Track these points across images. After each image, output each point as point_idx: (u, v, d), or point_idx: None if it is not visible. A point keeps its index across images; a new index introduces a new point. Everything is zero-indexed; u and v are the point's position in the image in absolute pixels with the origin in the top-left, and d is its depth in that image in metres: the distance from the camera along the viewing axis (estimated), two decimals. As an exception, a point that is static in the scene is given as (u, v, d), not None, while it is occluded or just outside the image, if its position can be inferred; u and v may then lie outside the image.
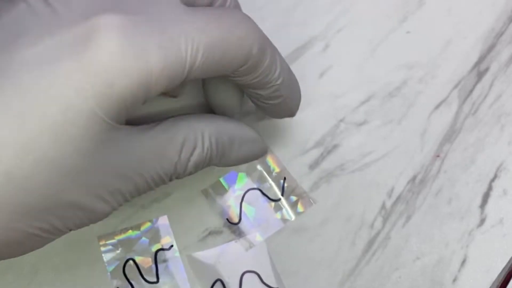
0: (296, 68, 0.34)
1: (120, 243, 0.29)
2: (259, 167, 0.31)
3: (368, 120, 0.33)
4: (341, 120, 0.33)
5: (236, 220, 0.30)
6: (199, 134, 0.25)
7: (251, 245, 0.30)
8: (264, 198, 0.31)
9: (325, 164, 0.32)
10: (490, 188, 0.32)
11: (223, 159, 0.26)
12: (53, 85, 0.19)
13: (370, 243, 0.31)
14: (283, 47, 0.34)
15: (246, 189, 0.31)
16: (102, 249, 0.29)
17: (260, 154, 0.28)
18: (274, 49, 0.26)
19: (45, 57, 0.20)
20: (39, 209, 0.20)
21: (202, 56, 0.22)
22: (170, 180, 0.24)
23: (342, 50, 0.34)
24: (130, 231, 0.30)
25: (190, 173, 0.25)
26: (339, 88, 0.33)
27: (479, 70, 0.34)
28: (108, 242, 0.29)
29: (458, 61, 0.34)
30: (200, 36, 0.22)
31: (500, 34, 0.35)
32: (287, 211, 0.31)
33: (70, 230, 0.22)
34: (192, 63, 0.22)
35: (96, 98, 0.20)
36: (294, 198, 0.31)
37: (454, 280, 0.30)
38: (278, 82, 0.26)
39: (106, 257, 0.29)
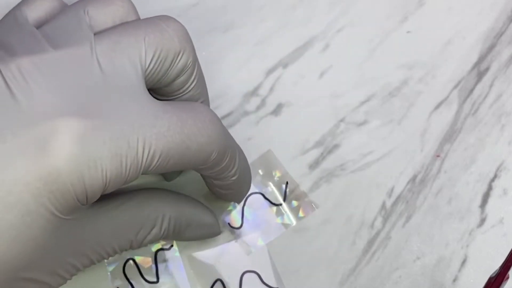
0: (296, 68, 0.34)
1: (120, 243, 0.29)
2: (260, 171, 0.31)
3: (368, 120, 0.33)
4: (341, 120, 0.33)
5: (238, 224, 0.30)
6: (160, 216, 0.25)
7: (252, 249, 0.30)
8: (266, 203, 0.31)
9: (325, 164, 0.32)
10: (490, 188, 0.32)
11: (176, 237, 0.27)
12: (11, 192, 0.20)
13: (370, 243, 0.31)
14: (283, 47, 0.35)
15: (248, 194, 0.31)
16: (102, 249, 0.29)
17: (212, 237, 0.29)
18: (234, 149, 0.26)
19: (3, 161, 0.20)
20: None
21: (157, 161, 0.22)
22: (122, 252, 0.25)
23: (342, 50, 0.34)
24: (130, 231, 0.30)
25: (143, 246, 0.26)
26: (339, 88, 0.33)
27: (479, 70, 0.34)
28: (108, 242, 0.29)
29: (458, 61, 0.34)
30: (158, 142, 0.22)
31: (500, 34, 0.35)
32: (289, 216, 0.31)
33: None
34: (147, 166, 0.22)
35: (53, 203, 0.20)
36: (295, 203, 0.31)
37: (454, 280, 0.30)
38: (234, 178, 0.27)
39: (106, 257, 0.29)
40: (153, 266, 0.29)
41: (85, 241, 0.23)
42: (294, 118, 0.33)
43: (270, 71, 0.34)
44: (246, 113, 0.33)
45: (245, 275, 0.30)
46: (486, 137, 0.33)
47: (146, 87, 0.24)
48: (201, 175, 0.27)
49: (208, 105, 0.28)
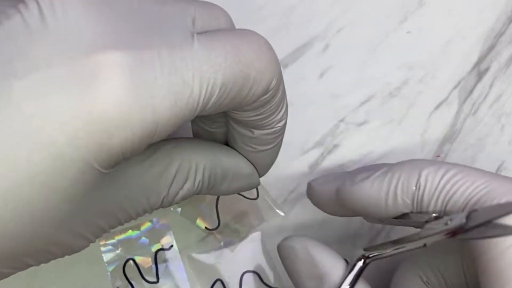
0: (296, 68, 0.34)
1: (120, 243, 0.29)
2: None
3: (368, 120, 0.33)
4: (341, 120, 0.33)
5: (214, 225, 0.30)
6: (193, 167, 0.23)
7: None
8: (241, 198, 0.30)
9: (325, 164, 0.32)
10: (490, 188, 0.32)
11: (211, 191, 0.25)
12: (43, 129, 0.17)
13: (370, 243, 0.31)
14: (283, 47, 0.35)
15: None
16: (102, 249, 0.29)
17: (251, 188, 0.27)
18: (284, 86, 0.23)
19: (37, 92, 0.17)
20: (16, 253, 0.18)
21: (216, 96, 0.20)
22: (153, 211, 0.23)
23: (342, 50, 0.34)
24: (130, 231, 0.30)
25: (175, 204, 0.24)
26: (339, 88, 0.33)
27: (479, 70, 0.34)
28: (108, 242, 0.29)
29: (458, 61, 0.34)
30: (216, 75, 0.19)
31: (500, 34, 0.35)
32: (267, 211, 0.30)
33: (40, 263, 0.21)
34: (204, 104, 0.20)
35: (90, 148, 0.17)
36: (268, 199, 0.31)
37: (454, 280, 0.30)
38: (280, 124, 0.24)
39: (106, 257, 0.29)
40: (153, 266, 0.29)
41: (114, 198, 0.21)
42: (294, 118, 0.33)
43: (270, 71, 0.34)
44: (246, 113, 0.33)
45: (245, 275, 0.30)
46: (486, 137, 0.33)
47: None
48: (237, 132, 0.24)
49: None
